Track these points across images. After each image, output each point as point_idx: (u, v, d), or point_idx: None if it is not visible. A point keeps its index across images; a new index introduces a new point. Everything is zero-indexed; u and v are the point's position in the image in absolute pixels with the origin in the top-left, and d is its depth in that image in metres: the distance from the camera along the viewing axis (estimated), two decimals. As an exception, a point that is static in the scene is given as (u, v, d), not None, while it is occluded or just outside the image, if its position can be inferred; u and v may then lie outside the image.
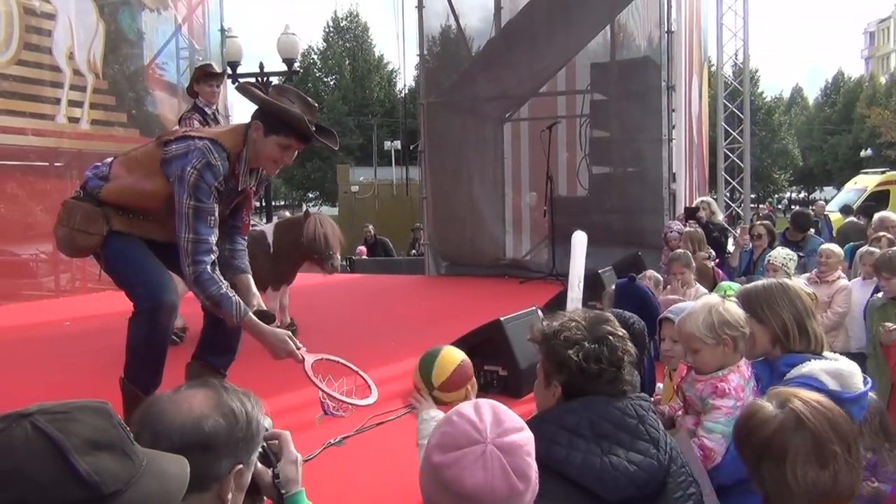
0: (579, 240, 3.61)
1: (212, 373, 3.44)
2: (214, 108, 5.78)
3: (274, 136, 3.21)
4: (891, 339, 3.97)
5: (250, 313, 3.18)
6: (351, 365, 3.14)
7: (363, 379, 3.12)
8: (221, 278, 3.16)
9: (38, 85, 8.64)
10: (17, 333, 6.13)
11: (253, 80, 13.49)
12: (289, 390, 4.09)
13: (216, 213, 3.19)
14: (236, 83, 12.58)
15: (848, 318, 6.27)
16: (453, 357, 2.55)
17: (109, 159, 3.40)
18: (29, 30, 8.52)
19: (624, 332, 2.05)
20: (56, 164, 8.91)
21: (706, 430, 2.41)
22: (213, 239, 3.16)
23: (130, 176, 3.28)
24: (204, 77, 5.76)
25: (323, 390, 2.91)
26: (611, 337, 1.98)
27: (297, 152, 3.32)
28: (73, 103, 8.98)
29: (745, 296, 2.58)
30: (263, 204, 14.66)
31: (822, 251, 5.51)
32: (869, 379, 2.42)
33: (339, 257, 5.74)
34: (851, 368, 2.35)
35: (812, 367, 2.33)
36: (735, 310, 2.47)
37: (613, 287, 4.78)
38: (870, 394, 2.40)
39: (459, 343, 4.10)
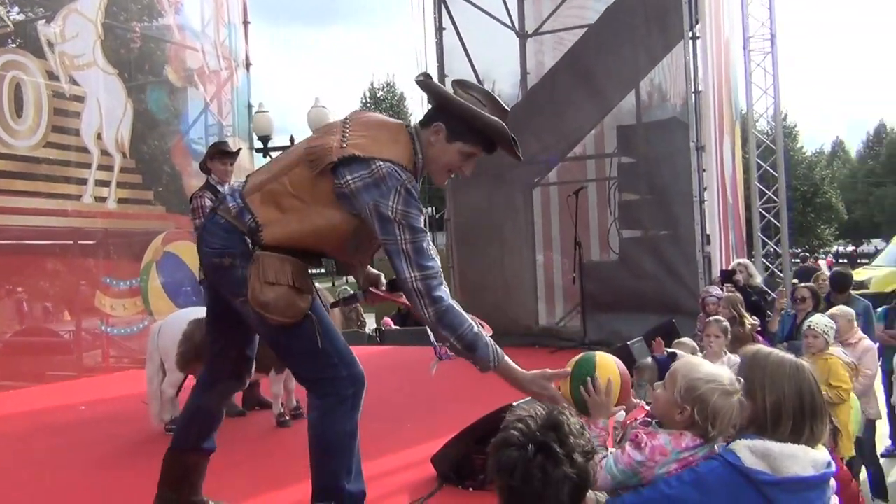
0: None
1: (203, 459, 3.20)
2: (227, 186, 5.72)
3: (459, 142, 2.78)
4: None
5: (506, 358, 2.74)
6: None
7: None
8: (465, 313, 2.73)
9: (65, 166, 8.76)
10: (29, 420, 6.02)
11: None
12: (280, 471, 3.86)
13: (429, 240, 2.79)
14: (265, 155, 12.72)
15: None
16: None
17: (240, 201, 2.82)
18: (58, 112, 8.67)
19: (573, 443, 1.78)
20: (82, 242, 8.96)
21: (607, 461, 2.25)
22: (438, 266, 2.74)
23: (292, 214, 2.76)
24: (218, 154, 5.72)
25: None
26: (536, 447, 1.73)
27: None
28: (100, 183, 9.08)
29: (751, 359, 2.29)
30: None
31: (834, 313, 5.31)
32: (833, 465, 2.15)
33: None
34: (794, 452, 2.09)
35: (739, 441, 2.12)
36: (723, 406, 2.19)
37: (650, 360, 4.50)
38: None
39: (472, 430, 3.86)
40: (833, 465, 2.18)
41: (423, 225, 2.76)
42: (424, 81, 2.90)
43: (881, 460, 6.23)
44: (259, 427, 5.36)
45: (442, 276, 2.76)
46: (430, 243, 2.80)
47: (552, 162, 10.49)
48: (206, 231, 2.91)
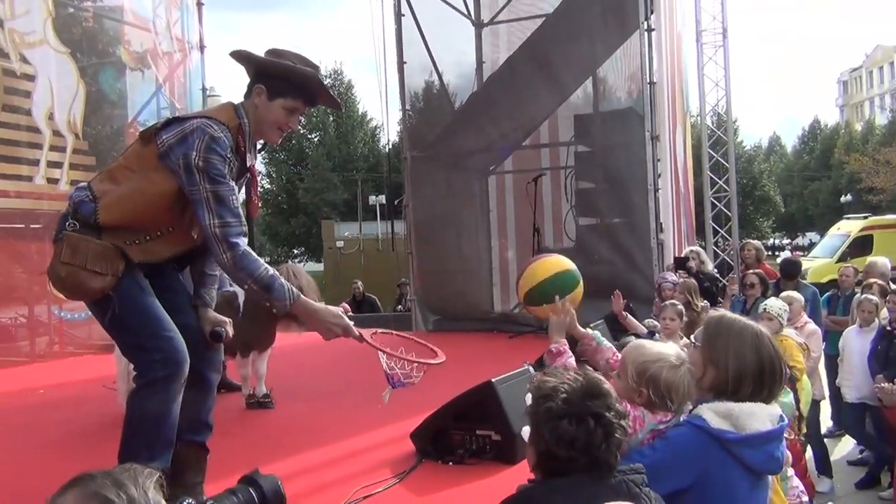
0: None
1: (198, 452, 3.12)
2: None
3: (280, 99, 2.97)
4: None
5: (302, 296, 2.89)
6: (406, 335, 3.04)
7: (425, 346, 3.05)
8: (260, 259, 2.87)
9: (15, 146, 8.51)
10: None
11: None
12: (279, 459, 3.89)
13: (236, 192, 2.91)
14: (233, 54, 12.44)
15: (846, 367, 6.21)
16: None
17: (84, 184, 3.00)
18: (8, 91, 8.42)
19: (620, 408, 1.88)
20: (34, 225, 8.71)
21: None
22: (240, 218, 2.85)
23: (124, 184, 2.90)
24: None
25: (395, 356, 2.85)
26: (594, 418, 1.79)
27: (301, 117, 3.10)
28: (53, 164, 8.85)
29: (715, 327, 2.39)
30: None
31: (785, 298, 5.53)
32: (785, 419, 2.32)
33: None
34: (752, 409, 2.23)
35: (702, 406, 2.26)
36: (674, 380, 2.35)
37: (631, 338, 4.59)
38: None
39: (450, 406, 3.95)
40: (785, 418, 2.34)
41: (227, 179, 2.86)
42: (238, 52, 3.06)
43: (825, 440, 6.52)
44: (226, 410, 5.31)
45: (243, 229, 2.88)
46: (237, 196, 2.92)
47: (504, 152, 10.61)
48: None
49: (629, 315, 5.99)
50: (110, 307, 2.84)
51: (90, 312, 3.02)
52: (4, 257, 8.72)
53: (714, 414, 2.22)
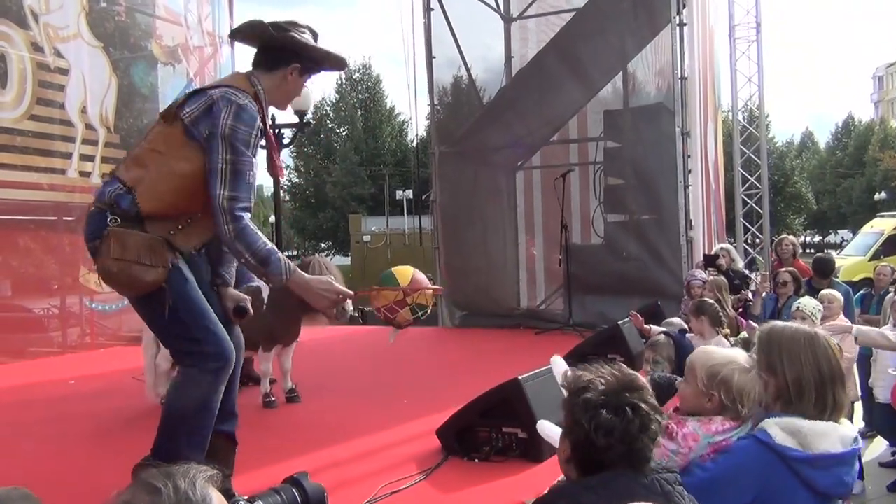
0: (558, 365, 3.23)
1: (228, 443, 3.13)
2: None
3: (307, 75, 3.11)
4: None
5: (298, 271, 2.92)
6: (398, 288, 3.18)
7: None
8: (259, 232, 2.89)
9: (49, 139, 8.63)
10: (17, 394, 5.95)
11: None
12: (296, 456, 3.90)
13: (255, 168, 2.90)
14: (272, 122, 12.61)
15: (879, 367, 6.09)
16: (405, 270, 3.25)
17: (109, 178, 2.95)
18: (42, 84, 8.53)
19: (654, 403, 1.87)
20: (66, 218, 8.84)
21: None
22: (251, 198, 2.88)
23: (153, 167, 2.86)
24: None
25: (389, 289, 3.13)
26: (631, 409, 1.80)
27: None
28: (85, 157, 8.96)
29: (766, 336, 2.33)
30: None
31: (824, 296, 5.42)
32: (859, 441, 2.22)
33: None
34: (823, 429, 2.14)
35: (769, 420, 2.17)
36: (746, 383, 2.28)
37: (662, 338, 4.48)
38: None
39: (476, 403, 3.93)
40: (860, 440, 2.24)
41: (251, 150, 2.86)
42: (284, 36, 3.04)
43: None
44: (252, 404, 5.32)
45: (251, 204, 2.88)
46: (255, 170, 2.90)
47: (532, 148, 10.54)
48: (85, 222, 2.96)
49: (652, 327, 5.86)
50: (163, 300, 2.83)
51: (133, 306, 3.01)
52: (38, 249, 8.86)
53: (780, 429, 2.14)
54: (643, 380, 1.92)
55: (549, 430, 2.82)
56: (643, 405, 1.82)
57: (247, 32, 3.13)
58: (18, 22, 8.28)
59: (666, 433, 2.26)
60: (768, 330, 2.38)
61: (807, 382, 2.19)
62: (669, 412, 2.51)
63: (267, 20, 3.07)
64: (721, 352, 2.44)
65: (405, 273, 3.20)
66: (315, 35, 3.15)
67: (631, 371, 1.94)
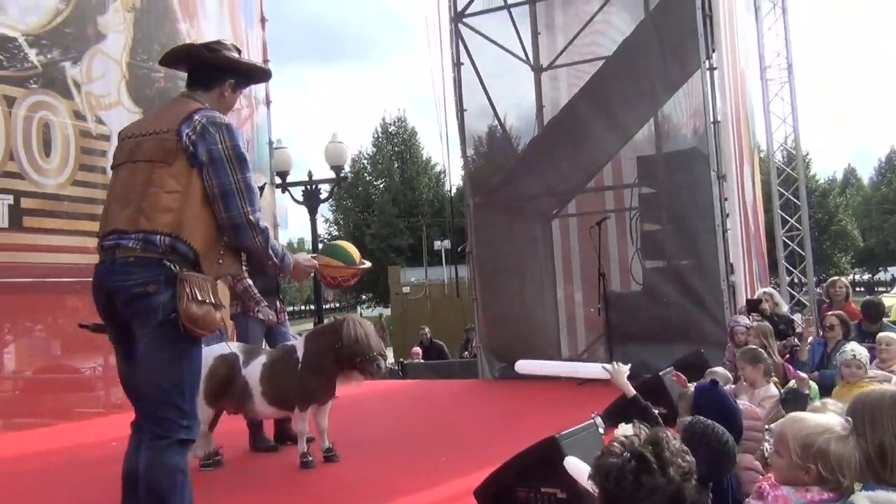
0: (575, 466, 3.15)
1: None
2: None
3: (240, 88, 3.33)
4: None
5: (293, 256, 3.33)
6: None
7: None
8: None
9: (93, 204, 8.84)
10: (60, 456, 6.02)
11: (303, 188, 13.73)
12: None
13: (252, 172, 3.11)
14: (284, 190, 12.82)
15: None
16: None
17: (124, 241, 2.92)
18: (84, 151, 8.78)
19: (676, 447, 1.93)
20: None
21: None
22: (260, 200, 3.16)
23: (177, 205, 2.91)
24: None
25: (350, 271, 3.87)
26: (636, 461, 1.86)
27: None
28: (126, 220, 9.13)
29: (855, 398, 2.26)
30: (313, 307, 14.62)
31: (882, 339, 5.29)
32: None
33: (383, 359, 5.34)
34: None
35: (860, 493, 2.05)
36: (845, 452, 2.12)
37: (692, 391, 4.41)
38: None
39: (513, 462, 3.84)
40: None
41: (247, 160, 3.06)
42: (217, 56, 3.24)
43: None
44: (291, 464, 5.27)
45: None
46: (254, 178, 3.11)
47: (567, 196, 10.51)
48: (115, 273, 2.96)
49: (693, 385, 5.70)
50: (199, 355, 3.06)
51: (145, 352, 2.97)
52: (84, 309, 8.99)
53: (870, 503, 2.04)
54: (671, 440, 1.95)
55: (576, 467, 2.78)
56: (651, 457, 1.87)
57: (178, 56, 3.37)
58: (62, 92, 8.56)
59: (757, 493, 2.22)
60: (858, 393, 2.33)
61: (890, 448, 2.08)
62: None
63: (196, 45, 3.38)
64: (813, 418, 2.27)
65: (355, 253, 3.93)
66: (239, 51, 3.38)
67: (664, 431, 1.96)
